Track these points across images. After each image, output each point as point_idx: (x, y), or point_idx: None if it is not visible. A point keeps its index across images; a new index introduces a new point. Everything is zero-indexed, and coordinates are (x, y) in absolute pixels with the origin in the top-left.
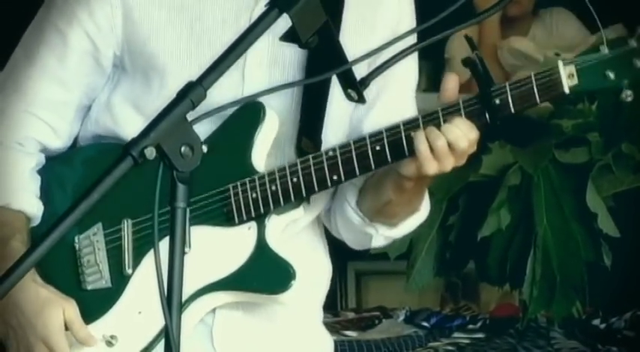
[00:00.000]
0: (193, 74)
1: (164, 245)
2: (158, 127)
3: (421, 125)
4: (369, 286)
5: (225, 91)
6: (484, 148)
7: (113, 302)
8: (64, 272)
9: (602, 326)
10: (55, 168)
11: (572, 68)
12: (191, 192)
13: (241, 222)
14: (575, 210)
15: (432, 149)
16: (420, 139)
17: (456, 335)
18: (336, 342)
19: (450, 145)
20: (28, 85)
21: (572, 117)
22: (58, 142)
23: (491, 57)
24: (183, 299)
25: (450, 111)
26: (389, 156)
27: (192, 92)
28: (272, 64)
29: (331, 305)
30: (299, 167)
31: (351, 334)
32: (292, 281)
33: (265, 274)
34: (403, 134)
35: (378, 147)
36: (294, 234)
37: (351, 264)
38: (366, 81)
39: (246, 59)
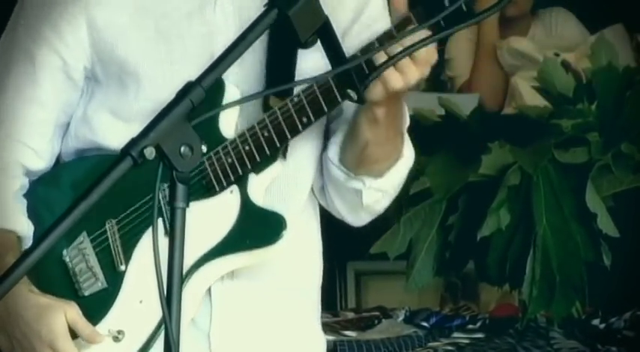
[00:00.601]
0: (167, 72)
1: (150, 235)
2: (157, 127)
3: (376, 44)
4: (368, 286)
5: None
6: (484, 148)
7: (113, 300)
8: (58, 287)
9: (602, 326)
10: (39, 190)
11: None
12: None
13: (222, 188)
14: (575, 210)
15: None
16: (379, 55)
17: (455, 335)
18: (335, 342)
19: (413, 56)
20: (5, 111)
21: (571, 117)
22: (41, 163)
23: (490, 57)
24: (188, 265)
25: (403, 24)
26: (355, 83)
27: (191, 92)
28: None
29: (331, 305)
30: (267, 121)
31: (351, 334)
32: (283, 229)
33: (256, 229)
34: (362, 59)
35: (339, 78)
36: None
37: (350, 263)
38: (365, 81)
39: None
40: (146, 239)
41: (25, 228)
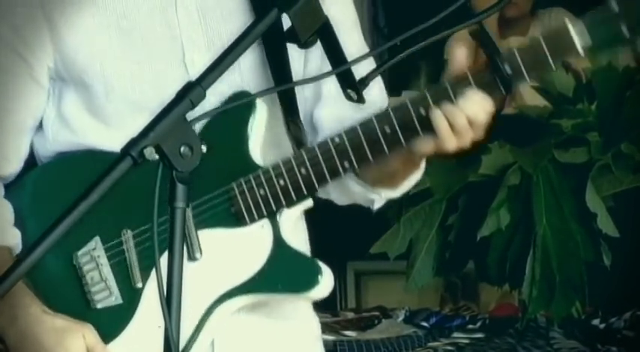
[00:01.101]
0: (135, 72)
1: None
2: (157, 127)
3: (431, 102)
4: (368, 286)
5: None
6: (483, 148)
7: (129, 318)
8: (68, 294)
9: (602, 326)
10: (25, 193)
11: (581, 26)
12: (193, 194)
13: (252, 220)
14: (575, 210)
15: (451, 126)
16: (440, 118)
17: (455, 335)
18: (335, 342)
19: (469, 121)
20: None
21: (571, 117)
22: (11, 168)
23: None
24: (206, 306)
25: (460, 84)
26: (402, 139)
27: (191, 92)
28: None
29: (331, 305)
30: (305, 158)
31: (351, 334)
32: (320, 277)
33: (289, 273)
34: (413, 113)
35: (388, 130)
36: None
37: (350, 263)
38: (365, 81)
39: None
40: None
41: (16, 240)
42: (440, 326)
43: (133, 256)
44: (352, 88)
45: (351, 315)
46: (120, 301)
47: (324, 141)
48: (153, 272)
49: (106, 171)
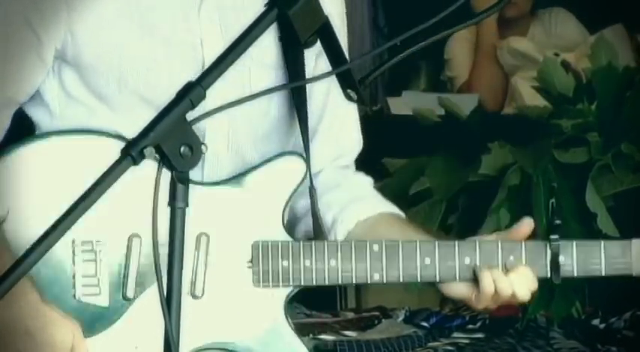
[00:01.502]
0: (151, 70)
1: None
2: (157, 127)
3: (477, 255)
4: (368, 286)
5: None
6: (484, 148)
7: (106, 325)
8: (56, 275)
9: (602, 326)
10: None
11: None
12: (216, 233)
13: (265, 286)
14: (575, 210)
15: (495, 292)
16: (488, 281)
17: (455, 335)
18: (335, 342)
19: (513, 295)
20: None
21: (571, 117)
22: None
23: (490, 57)
24: (193, 348)
25: (510, 251)
26: (437, 276)
27: (191, 92)
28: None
29: (331, 305)
30: (338, 249)
31: (351, 334)
32: None
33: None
34: (457, 257)
35: (428, 261)
36: None
37: None
38: (365, 80)
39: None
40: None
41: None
42: (440, 326)
43: (134, 265)
44: (352, 88)
45: (351, 315)
46: (106, 304)
47: (362, 242)
48: (148, 288)
49: (107, 171)
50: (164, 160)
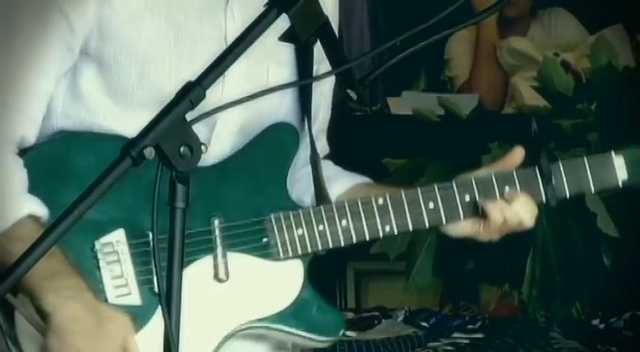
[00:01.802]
0: (174, 67)
1: (197, 265)
2: (157, 128)
3: (476, 191)
4: (368, 286)
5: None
6: (484, 148)
7: (145, 321)
8: (88, 285)
9: (602, 326)
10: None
11: (621, 160)
12: (228, 212)
13: (286, 258)
14: (575, 210)
15: (504, 222)
16: (496, 213)
17: (455, 335)
18: (335, 342)
19: (519, 222)
20: (5, 77)
21: (571, 117)
22: (33, 131)
23: (490, 57)
24: (227, 332)
25: (504, 181)
26: (443, 218)
27: (191, 92)
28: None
29: None
30: (347, 210)
31: (351, 334)
32: (342, 329)
33: (314, 317)
34: (458, 197)
35: (431, 205)
36: None
37: (350, 264)
38: (365, 80)
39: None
40: (194, 268)
41: (34, 206)
42: (440, 326)
43: (157, 259)
44: (352, 88)
45: (351, 315)
46: (138, 303)
47: (367, 198)
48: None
49: (107, 171)
50: (164, 160)
